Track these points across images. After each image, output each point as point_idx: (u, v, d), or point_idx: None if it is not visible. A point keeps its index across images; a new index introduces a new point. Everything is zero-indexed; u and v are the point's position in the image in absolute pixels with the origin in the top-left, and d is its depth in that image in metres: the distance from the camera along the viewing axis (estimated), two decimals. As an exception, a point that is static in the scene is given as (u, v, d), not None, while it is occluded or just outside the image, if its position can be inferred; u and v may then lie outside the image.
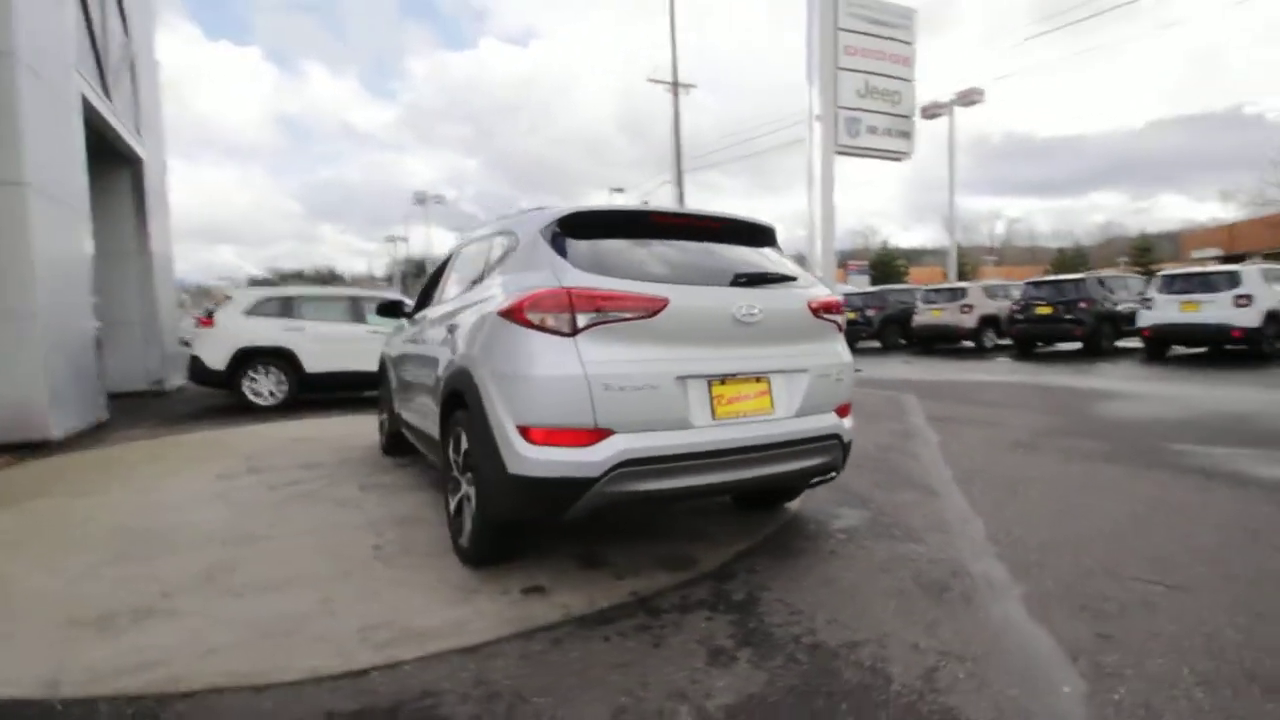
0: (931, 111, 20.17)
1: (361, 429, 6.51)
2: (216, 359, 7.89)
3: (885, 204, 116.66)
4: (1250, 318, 10.03)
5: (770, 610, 2.40)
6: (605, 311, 2.39)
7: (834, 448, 2.87)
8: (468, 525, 2.82)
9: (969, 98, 19.26)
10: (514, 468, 2.39)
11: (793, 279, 2.93)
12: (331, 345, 8.26)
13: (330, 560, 2.96)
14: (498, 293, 2.70)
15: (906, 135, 17.29)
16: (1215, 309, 10.36)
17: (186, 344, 9.77)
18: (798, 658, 2.07)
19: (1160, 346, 11.60)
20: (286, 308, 8.28)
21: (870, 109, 16.66)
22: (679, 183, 29.27)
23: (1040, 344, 14.48)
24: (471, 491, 2.71)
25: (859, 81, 16.60)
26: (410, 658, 2.11)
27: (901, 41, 17.13)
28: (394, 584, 2.69)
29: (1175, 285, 11.22)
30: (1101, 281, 13.45)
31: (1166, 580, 2.57)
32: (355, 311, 8.59)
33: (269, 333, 8.07)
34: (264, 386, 8.05)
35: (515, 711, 1.81)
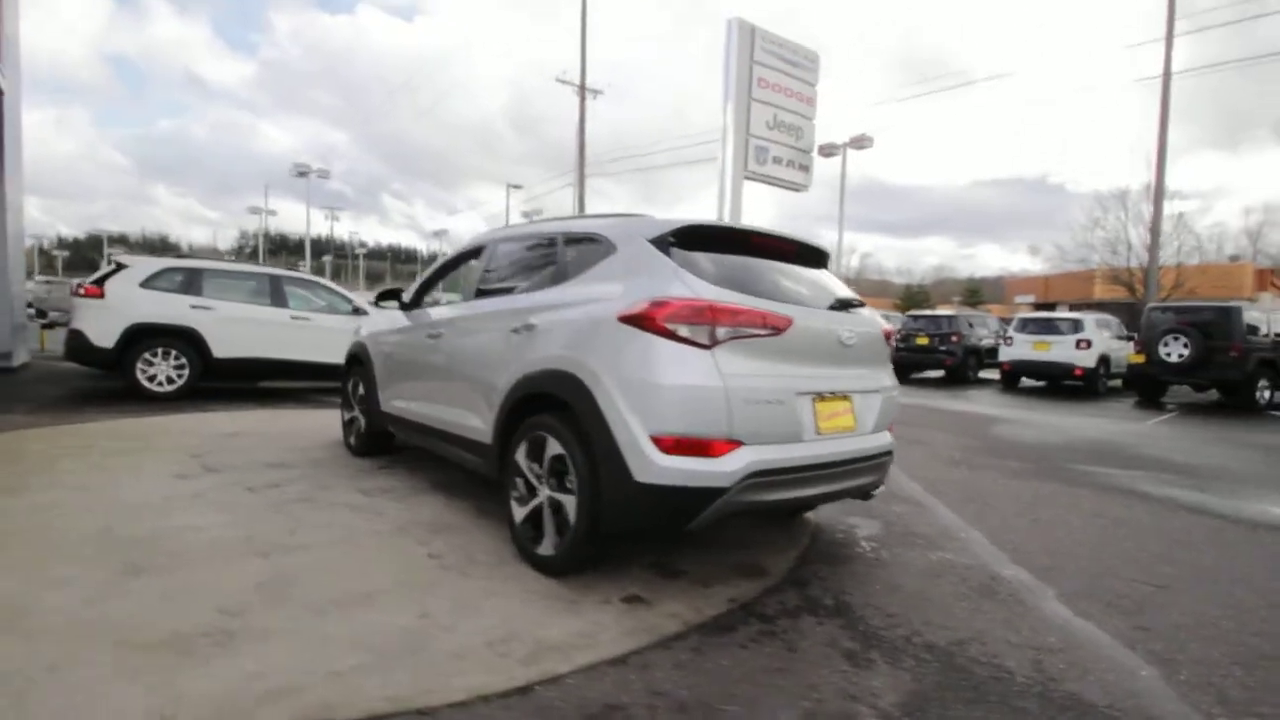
0: (827, 151, 21.92)
1: (298, 424, 5.95)
2: (103, 335, 6.80)
3: (769, 221, 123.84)
4: (1089, 359, 11.98)
5: (867, 614, 2.60)
6: (741, 326, 2.47)
7: (889, 463, 3.15)
8: (551, 534, 2.76)
9: (860, 142, 21.30)
10: (643, 476, 2.39)
11: (863, 304, 3.19)
12: (247, 329, 7.41)
13: (392, 571, 2.75)
14: (609, 296, 2.67)
15: (806, 169, 18.48)
16: (1061, 349, 12.24)
17: (41, 314, 8.29)
18: (923, 658, 2.28)
19: (1014, 378, 13.46)
20: (192, 283, 7.32)
21: (777, 140, 17.71)
22: (580, 185, 29.32)
23: (914, 371, 16.21)
24: (568, 500, 2.65)
25: (769, 114, 17.55)
26: (564, 671, 2.07)
27: (806, 82, 18.36)
28: (486, 595, 2.57)
29: (1029, 327, 13.10)
30: (969, 320, 15.34)
31: (1152, 581, 3.11)
32: (276, 293, 7.77)
33: (171, 310, 7.09)
34: (161, 371, 7.05)
35: None
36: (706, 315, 2.44)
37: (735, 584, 2.84)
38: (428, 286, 4.48)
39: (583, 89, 29.00)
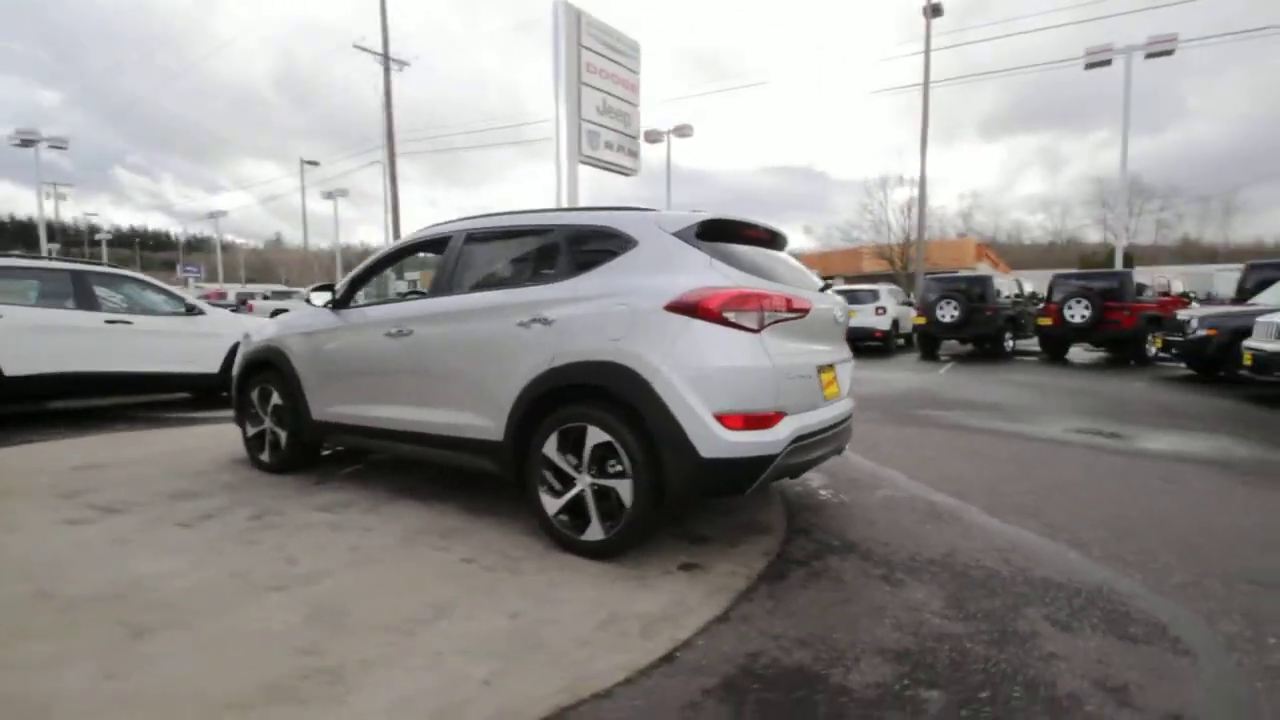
0: (653, 137, 22.85)
1: (161, 447, 5.08)
2: None
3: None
4: (885, 323, 14.25)
5: (870, 546, 3.10)
6: (780, 311, 2.78)
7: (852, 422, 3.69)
8: (596, 520, 2.86)
9: (682, 131, 22.55)
10: (708, 452, 2.61)
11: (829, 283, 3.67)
12: (48, 339, 6.02)
13: (440, 581, 2.66)
14: (645, 288, 2.80)
15: (634, 155, 19.22)
16: (863, 316, 14.37)
17: None
18: (933, 570, 2.82)
19: (828, 342, 15.52)
20: (-40, 285, 5.76)
21: (607, 125, 18.15)
22: (391, 164, 27.23)
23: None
24: (621, 484, 2.77)
25: (598, 99, 17.91)
26: (687, 636, 2.25)
27: (630, 70, 19.03)
28: (553, 586, 2.62)
29: (838, 297, 15.19)
30: None
31: (1029, 490, 4.05)
32: (82, 292, 6.38)
33: (-68, 321, 5.52)
34: (-79, 400, 5.48)
35: (855, 656, 2.18)
36: (753, 302, 2.71)
37: (755, 540, 3.18)
38: (361, 282, 4.12)
39: (386, 59, 26.78)
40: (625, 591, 2.58)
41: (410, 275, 25.05)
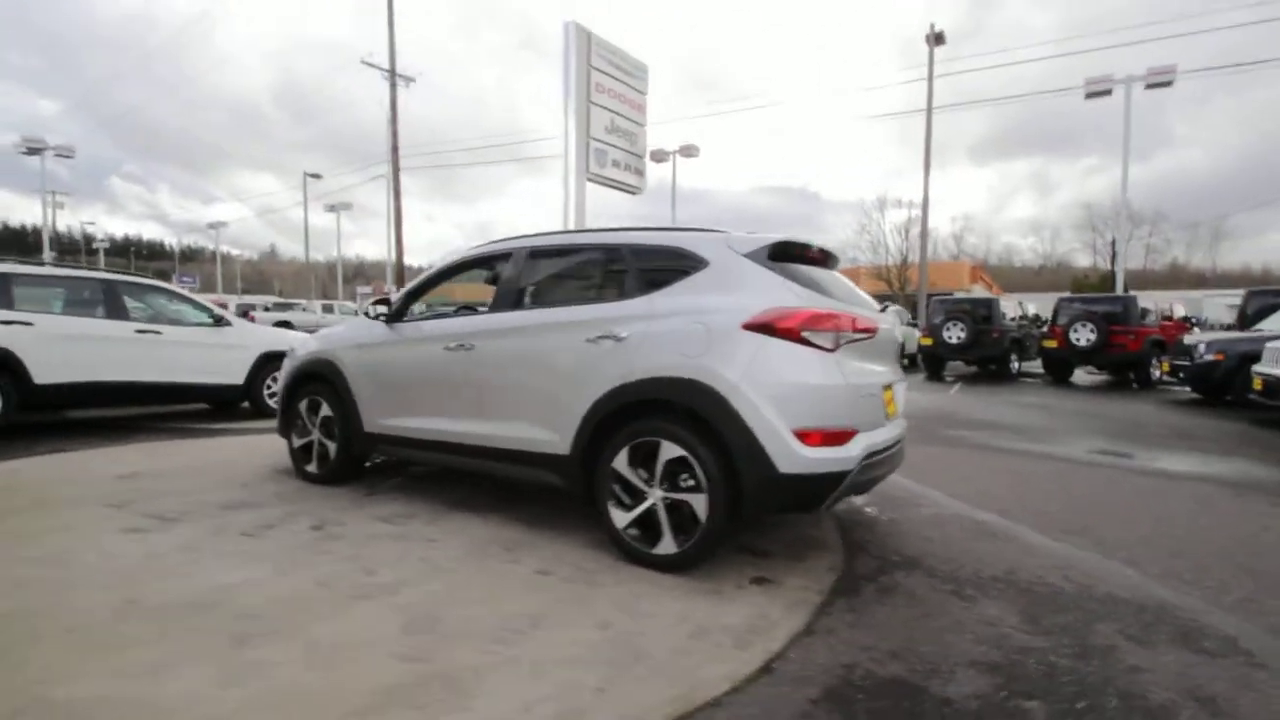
0: (659, 157, 23.15)
1: (200, 457, 5.08)
2: None
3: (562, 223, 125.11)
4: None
5: (931, 562, 3.17)
6: (853, 332, 2.86)
7: None
8: (669, 533, 2.90)
9: (688, 151, 22.88)
10: (786, 467, 2.68)
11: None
12: (79, 347, 6.02)
13: (521, 592, 2.70)
14: (720, 308, 2.88)
15: (640, 173, 19.40)
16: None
17: None
18: (999, 587, 2.89)
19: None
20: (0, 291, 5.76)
21: (615, 144, 18.34)
22: (395, 179, 27.35)
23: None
24: (695, 498, 2.82)
25: (607, 118, 18.11)
26: (779, 648, 2.30)
27: (638, 90, 19.27)
28: (635, 598, 2.66)
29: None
30: None
31: (1074, 510, 4.12)
32: (112, 301, 6.39)
33: (-36, 328, 5.52)
34: (-48, 407, 5.46)
35: (949, 669, 2.24)
36: (829, 322, 2.79)
37: (818, 555, 3.23)
38: (415, 297, 4.19)
39: (393, 74, 27.03)
40: (706, 604, 2.62)
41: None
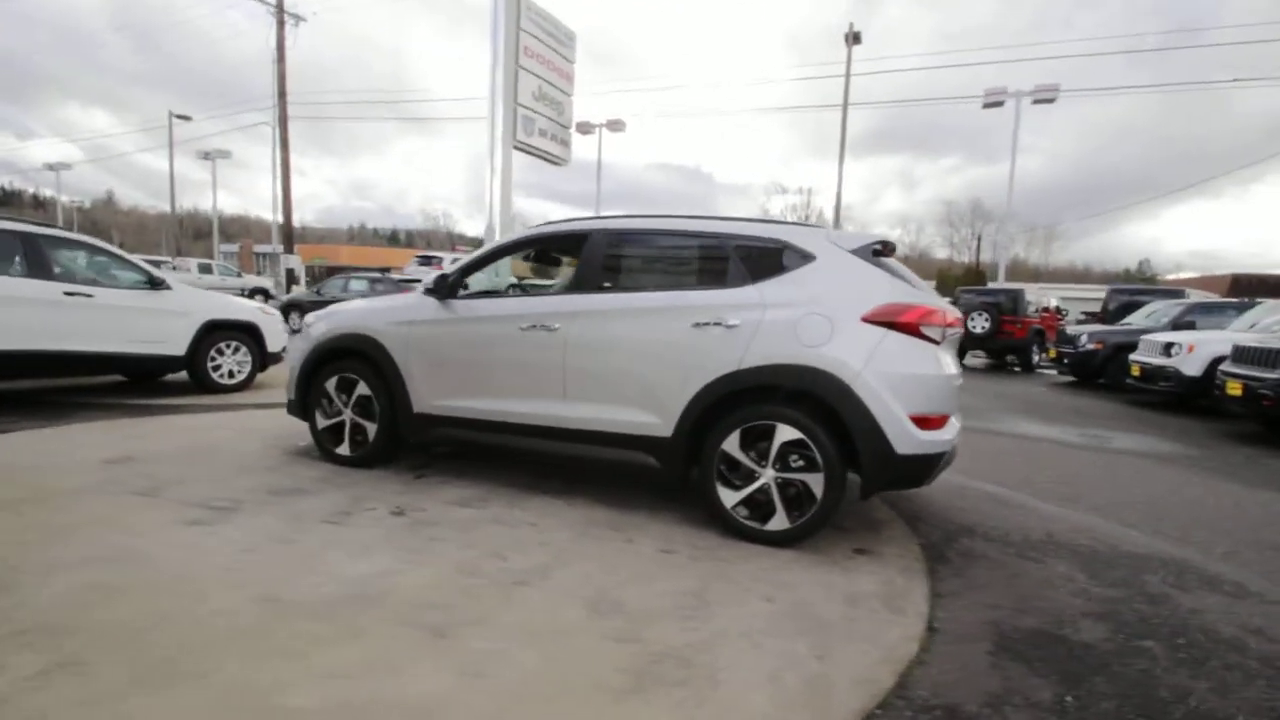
0: (584, 129, 22.70)
1: (165, 440, 4.59)
2: None
3: (449, 191, 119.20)
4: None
5: (987, 532, 3.60)
6: (951, 326, 3.16)
7: None
8: (781, 511, 3.10)
9: (615, 125, 22.61)
10: (903, 449, 2.96)
11: None
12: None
13: (670, 572, 2.80)
14: (835, 299, 3.08)
15: (566, 144, 19.07)
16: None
17: None
18: (1054, 549, 3.36)
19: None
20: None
21: (542, 112, 17.90)
22: (283, 127, 24.82)
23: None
24: (811, 478, 3.03)
25: (534, 84, 17.62)
26: (926, 609, 2.59)
27: (565, 59, 18.88)
28: (772, 571, 2.84)
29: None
30: None
31: (1070, 483, 4.79)
32: (34, 258, 5.47)
33: None
34: None
35: (1069, 619, 2.62)
36: (939, 318, 3.08)
37: (888, 527, 3.56)
38: (471, 272, 4.01)
39: (280, 10, 24.32)
40: (834, 574, 2.86)
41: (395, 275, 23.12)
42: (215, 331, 6.67)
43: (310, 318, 4.46)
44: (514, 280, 7.73)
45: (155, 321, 6.23)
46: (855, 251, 3.24)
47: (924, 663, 2.20)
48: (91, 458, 3.98)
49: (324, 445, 4.20)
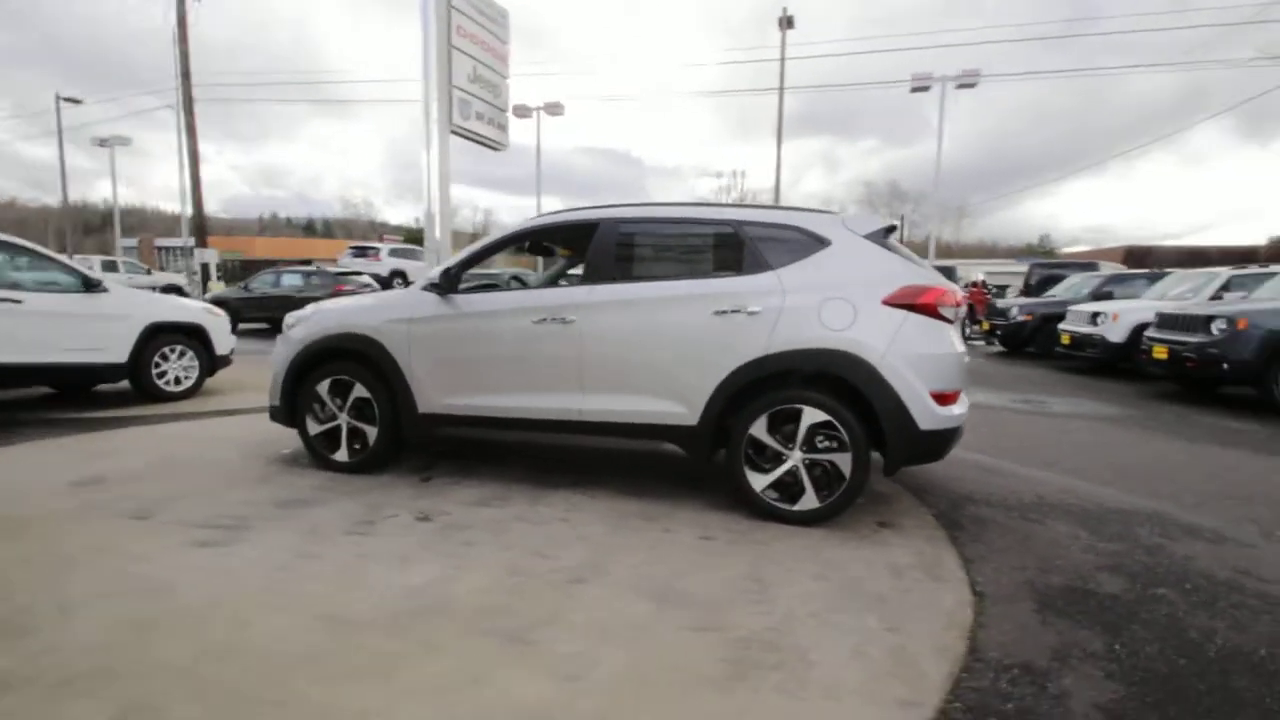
0: (521, 113, 22.09)
1: (146, 453, 4.26)
2: None
3: (368, 177, 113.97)
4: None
5: (985, 498, 3.82)
6: (961, 306, 3.31)
7: None
8: (811, 490, 3.19)
9: (553, 109, 22.09)
10: (925, 425, 3.09)
11: None
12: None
13: (715, 559, 2.83)
14: (855, 282, 3.17)
15: (504, 129, 18.49)
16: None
17: None
18: (1049, 511, 3.60)
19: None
20: None
21: (478, 95, 17.32)
22: (188, 111, 22.94)
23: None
24: (840, 457, 3.13)
25: (469, 66, 16.97)
26: (964, 575, 2.73)
27: (500, 40, 18.30)
28: (811, 549, 2.92)
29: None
30: None
31: (1044, 449, 5.12)
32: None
33: None
34: None
35: (1089, 574, 2.82)
36: (952, 298, 3.21)
37: (898, 499, 3.72)
38: (469, 266, 3.87)
39: (181, -16, 22.37)
40: (867, 548, 2.97)
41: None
42: (158, 335, 6.19)
43: (291, 318, 4.20)
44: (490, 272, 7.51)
45: (92, 327, 5.70)
46: (869, 236, 3.34)
47: (983, 625, 2.33)
48: (56, 480, 3.63)
49: (317, 452, 3.98)
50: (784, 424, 3.22)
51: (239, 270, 36.80)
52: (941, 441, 3.19)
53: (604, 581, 2.56)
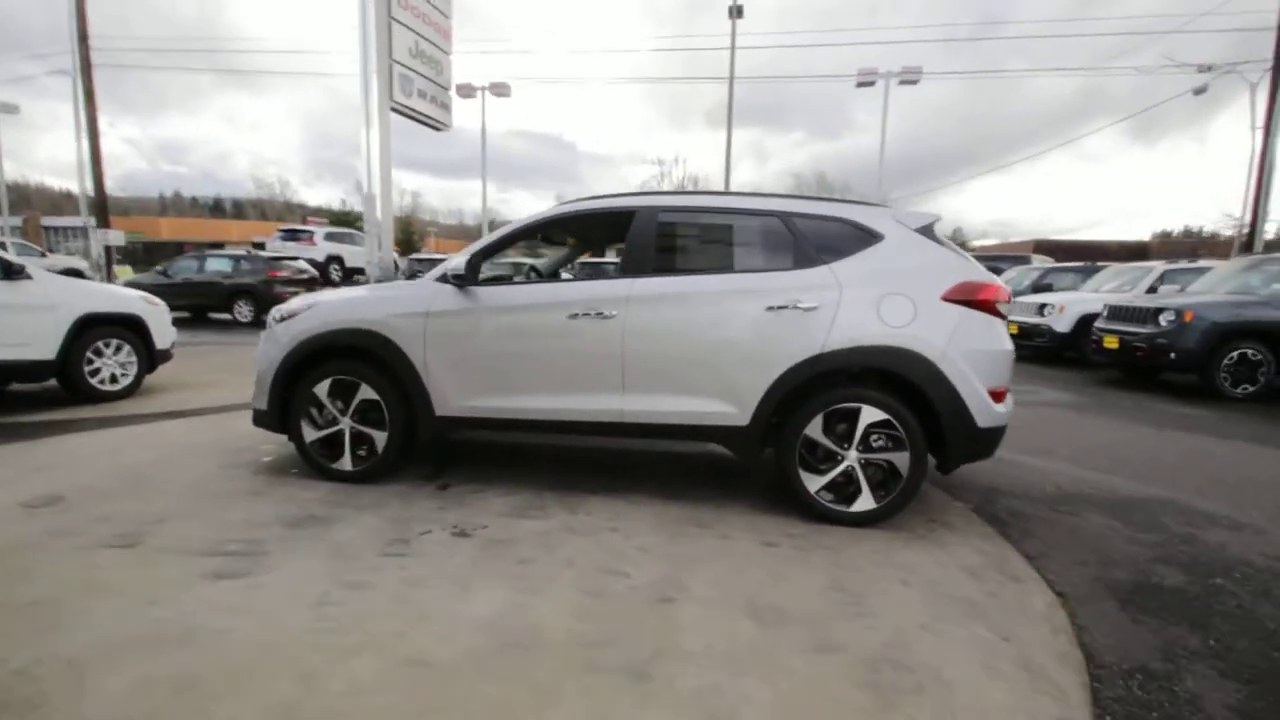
0: (465, 92, 21.07)
1: (98, 467, 3.74)
2: None
3: (284, 155, 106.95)
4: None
5: (1011, 491, 3.87)
6: (1009, 301, 3.29)
7: None
8: (867, 491, 3.12)
9: (499, 89, 21.12)
10: (984, 422, 3.07)
11: None
12: None
13: (791, 567, 2.71)
14: (912, 276, 3.10)
15: (446, 108, 17.83)
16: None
17: None
18: (1078, 503, 3.69)
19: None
20: None
21: (420, 72, 16.53)
22: (87, 77, 20.62)
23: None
24: (897, 456, 3.06)
25: (410, 40, 16.21)
26: (1036, 574, 2.73)
27: (441, 13, 17.50)
28: (882, 552, 2.84)
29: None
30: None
31: (1045, 443, 5.29)
32: None
33: None
34: None
35: (1148, 566, 2.87)
36: (1006, 294, 3.19)
37: (933, 494, 3.71)
38: (488, 256, 3.56)
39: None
40: (932, 548, 2.93)
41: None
42: (91, 328, 5.47)
43: (279, 312, 3.74)
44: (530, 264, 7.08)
45: (15, 319, 4.97)
46: (920, 230, 3.27)
47: (1083, 627, 2.31)
48: (6, 504, 3.09)
49: (316, 461, 3.58)
50: (838, 423, 3.13)
51: (142, 253, 33.80)
52: (995, 439, 3.19)
53: (690, 599, 2.38)
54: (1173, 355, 7.18)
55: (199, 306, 13.14)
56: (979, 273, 3.21)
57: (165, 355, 6.18)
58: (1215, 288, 7.94)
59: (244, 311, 13.01)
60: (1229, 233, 28.81)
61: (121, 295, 5.89)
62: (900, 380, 3.08)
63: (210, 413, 5.32)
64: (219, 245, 32.24)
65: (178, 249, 30.78)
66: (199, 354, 8.85)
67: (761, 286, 3.20)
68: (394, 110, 15.06)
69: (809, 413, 3.12)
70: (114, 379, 5.67)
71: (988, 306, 3.12)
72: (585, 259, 17.82)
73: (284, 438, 3.71)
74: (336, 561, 2.58)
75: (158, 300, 6.25)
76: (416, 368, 3.42)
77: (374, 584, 2.41)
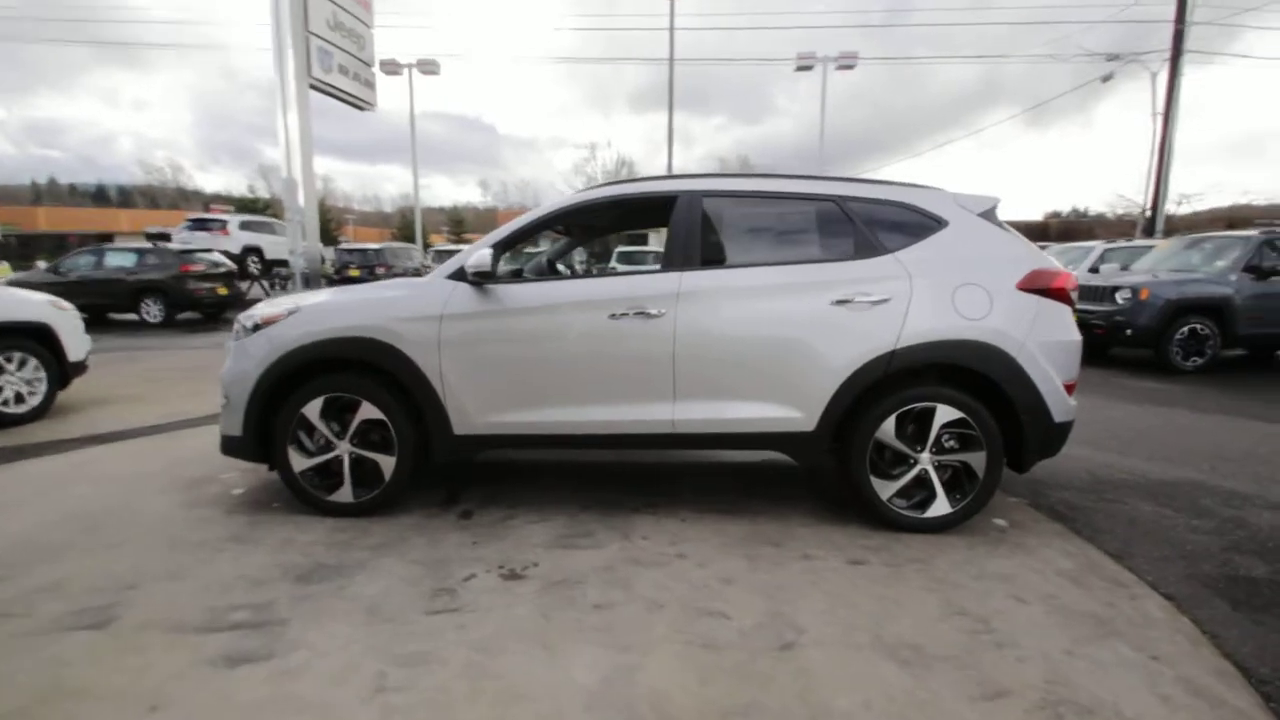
0: (390, 69, 19.64)
1: (25, 516, 3.06)
2: None
3: (174, 137, 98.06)
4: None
5: (1048, 479, 3.80)
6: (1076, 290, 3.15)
7: None
8: (942, 495, 2.92)
9: (427, 66, 19.74)
10: (1060, 417, 2.93)
11: None
12: None
13: (892, 588, 2.46)
14: (981, 265, 2.90)
15: (370, 85, 16.69)
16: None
17: None
18: (1119, 490, 3.65)
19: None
20: None
21: (340, 46, 15.36)
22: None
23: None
24: (973, 457, 2.88)
25: (328, 10, 15.02)
26: (1129, 577, 2.60)
27: (362, -19, 16.28)
28: (973, 563, 2.65)
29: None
30: (394, 252, 17.17)
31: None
32: None
33: None
34: None
35: (1217, 554, 2.81)
36: (1074, 282, 3.04)
37: (976, 490, 3.58)
38: (507, 248, 3.10)
39: None
40: (1019, 554, 2.76)
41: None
42: (4, 339, 4.59)
43: (248, 319, 3.15)
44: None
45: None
46: (984, 215, 3.08)
47: (1214, 635, 2.18)
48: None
49: (309, 494, 3.04)
50: (909, 423, 2.91)
51: (16, 247, 30.13)
52: (1066, 434, 3.05)
53: (811, 641, 2.09)
54: (1129, 331, 7.49)
55: (98, 306, 11.65)
56: (1048, 260, 3.05)
57: (80, 368, 5.31)
58: (1159, 265, 8.36)
59: (153, 311, 11.66)
60: (1120, 212, 31.19)
61: (23, 300, 4.98)
62: (970, 375, 2.88)
63: (145, 434, 4.57)
64: (108, 237, 29.17)
65: (60, 242, 27.69)
66: (107, 362, 7.75)
67: (825, 278, 2.92)
68: (313, 87, 13.92)
69: (881, 414, 2.88)
70: (19, 399, 4.80)
71: (1062, 295, 2.96)
72: (621, 248, 17.08)
73: (255, 465, 3.15)
74: (377, 627, 2.13)
75: (67, 304, 5.36)
76: (430, 380, 2.95)
77: (436, 655, 1.98)
